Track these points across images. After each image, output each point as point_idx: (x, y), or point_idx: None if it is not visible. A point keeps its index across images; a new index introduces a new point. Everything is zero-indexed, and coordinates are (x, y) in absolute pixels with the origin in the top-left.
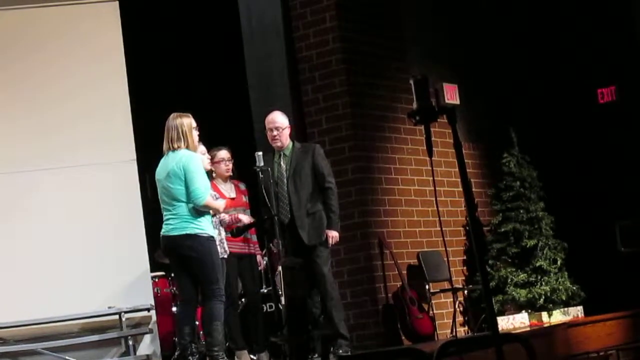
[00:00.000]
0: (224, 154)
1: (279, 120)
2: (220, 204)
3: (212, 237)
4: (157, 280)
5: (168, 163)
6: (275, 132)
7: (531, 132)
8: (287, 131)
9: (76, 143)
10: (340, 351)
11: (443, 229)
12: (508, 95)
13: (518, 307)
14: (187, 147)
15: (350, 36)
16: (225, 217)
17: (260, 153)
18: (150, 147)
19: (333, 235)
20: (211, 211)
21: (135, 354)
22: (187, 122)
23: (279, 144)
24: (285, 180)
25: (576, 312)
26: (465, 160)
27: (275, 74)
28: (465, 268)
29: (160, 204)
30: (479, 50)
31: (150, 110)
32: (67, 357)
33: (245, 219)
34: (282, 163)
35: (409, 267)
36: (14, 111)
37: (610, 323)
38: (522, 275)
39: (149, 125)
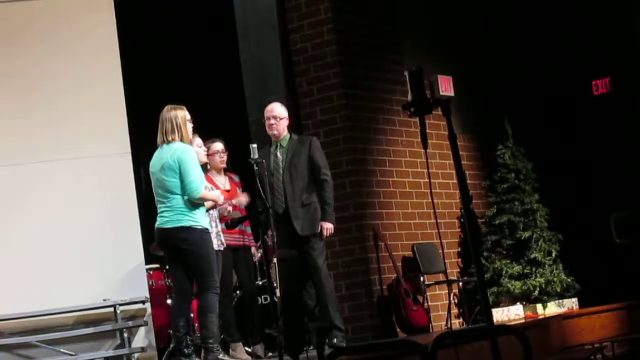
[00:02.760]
0: (218, 146)
1: (277, 110)
2: (216, 194)
3: (207, 229)
4: (152, 272)
5: (162, 155)
6: (272, 121)
7: (526, 124)
8: (284, 122)
9: (71, 136)
10: (335, 341)
11: (438, 221)
12: (503, 87)
13: (513, 299)
14: (182, 140)
15: (345, 28)
16: (229, 207)
17: (255, 145)
18: (144, 139)
19: (327, 227)
20: (206, 204)
21: (130, 346)
22: (182, 115)
23: (275, 132)
24: (280, 171)
25: (571, 304)
26: (460, 152)
27: (270, 66)
28: (460, 260)
29: (154, 196)
30: (473, 42)
31: (145, 102)
32: (62, 350)
33: (243, 199)
34: (278, 154)
35: (404, 259)
36: (9, 105)
37: (605, 315)
38: (516, 267)
39: (143, 117)
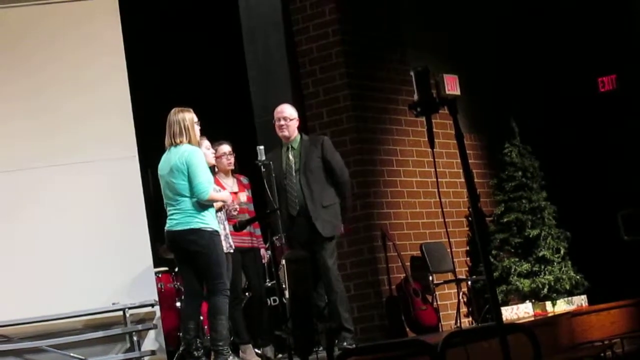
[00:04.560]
0: (225, 148)
1: (287, 111)
2: (225, 195)
3: (216, 231)
4: (160, 275)
5: (170, 158)
6: (282, 122)
7: (532, 122)
8: (294, 123)
9: (77, 140)
10: (345, 344)
11: (446, 220)
12: (509, 86)
13: (522, 297)
14: (189, 142)
15: (350, 29)
16: (236, 206)
17: (262, 147)
18: (152, 142)
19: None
20: (215, 205)
21: (139, 349)
22: (189, 117)
23: (286, 133)
24: (294, 173)
25: (580, 301)
26: (467, 151)
27: (276, 68)
28: (468, 259)
29: (163, 199)
30: (479, 40)
31: (152, 105)
32: (71, 354)
33: (243, 196)
34: (290, 156)
35: (412, 258)
36: (16, 109)
37: (614, 312)
38: (525, 265)
39: (150, 120)
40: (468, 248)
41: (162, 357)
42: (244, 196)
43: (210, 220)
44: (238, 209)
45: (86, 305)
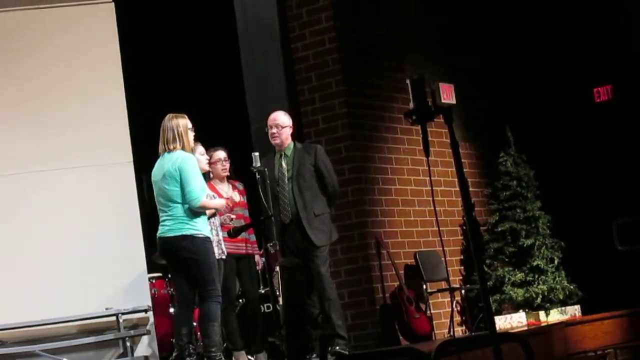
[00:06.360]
0: (220, 154)
1: (280, 119)
2: (218, 203)
3: (208, 237)
4: (154, 281)
5: (164, 164)
6: (274, 130)
7: (528, 131)
8: (287, 130)
9: (73, 145)
10: (337, 348)
11: (440, 228)
12: (504, 95)
13: (515, 307)
14: (183, 148)
15: (347, 36)
16: (232, 216)
17: (257, 153)
18: (147, 148)
19: None
20: (208, 212)
21: (132, 355)
22: (183, 123)
23: (278, 141)
24: (286, 181)
25: (573, 311)
26: (462, 160)
27: (272, 75)
28: (462, 268)
29: (156, 205)
30: (475, 50)
31: (147, 111)
32: (64, 359)
33: (237, 196)
34: (283, 163)
35: (407, 267)
36: (11, 113)
37: (607, 322)
38: (519, 275)
39: (145, 126)
40: (462, 257)
41: None
42: (237, 196)
43: (202, 227)
44: (234, 217)
45: (80, 310)
